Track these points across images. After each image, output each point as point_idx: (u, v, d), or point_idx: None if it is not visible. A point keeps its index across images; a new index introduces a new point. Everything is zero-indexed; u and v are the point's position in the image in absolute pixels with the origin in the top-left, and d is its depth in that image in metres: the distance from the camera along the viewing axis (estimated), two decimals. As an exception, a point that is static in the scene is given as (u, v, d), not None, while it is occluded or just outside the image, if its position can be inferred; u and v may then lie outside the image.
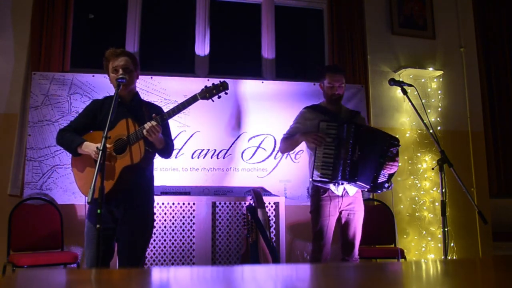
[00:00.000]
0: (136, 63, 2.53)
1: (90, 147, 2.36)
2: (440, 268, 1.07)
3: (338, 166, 2.73)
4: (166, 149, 2.48)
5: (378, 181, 2.75)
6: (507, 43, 5.06)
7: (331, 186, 2.82)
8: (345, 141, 2.74)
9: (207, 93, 2.41)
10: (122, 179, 2.34)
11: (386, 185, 2.78)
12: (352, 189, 2.84)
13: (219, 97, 2.44)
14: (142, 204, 2.45)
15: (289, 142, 3.00)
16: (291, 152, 3.98)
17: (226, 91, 2.45)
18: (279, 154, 3.98)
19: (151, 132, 2.28)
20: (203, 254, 3.42)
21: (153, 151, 2.46)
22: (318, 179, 2.77)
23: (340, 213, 2.88)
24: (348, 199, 2.86)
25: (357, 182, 2.73)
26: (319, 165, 2.76)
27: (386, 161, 2.75)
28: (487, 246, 4.39)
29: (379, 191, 2.84)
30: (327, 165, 2.75)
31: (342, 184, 2.80)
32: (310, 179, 2.84)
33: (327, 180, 2.76)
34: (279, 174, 3.99)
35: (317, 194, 2.86)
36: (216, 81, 2.47)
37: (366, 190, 2.85)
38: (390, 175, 2.82)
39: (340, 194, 2.83)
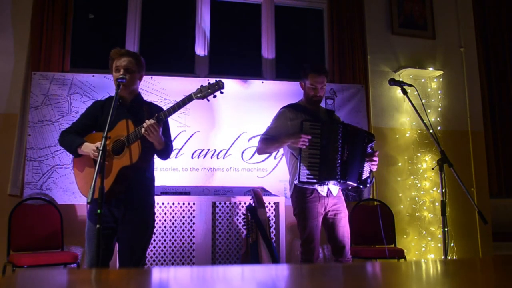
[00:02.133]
0: (141, 64, 2.53)
1: (89, 148, 2.37)
2: (440, 268, 1.07)
3: (326, 166, 2.69)
4: (165, 150, 2.47)
5: (363, 178, 2.77)
6: (507, 43, 5.06)
7: (317, 187, 2.77)
8: (333, 141, 2.72)
9: (202, 93, 2.40)
10: (120, 180, 2.35)
11: (369, 180, 2.81)
12: (335, 189, 2.82)
13: (215, 96, 2.42)
14: (142, 204, 2.45)
15: (271, 143, 2.90)
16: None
17: (222, 90, 2.43)
18: (279, 154, 3.97)
19: (150, 130, 2.28)
20: (203, 254, 3.42)
21: (151, 153, 2.46)
22: (306, 180, 2.69)
23: (326, 213, 2.82)
24: (333, 199, 2.82)
25: (347, 182, 2.72)
26: (306, 165, 2.70)
27: (367, 157, 2.78)
28: (487, 246, 4.39)
29: (363, 188, 2.85)
30: (314, 165, 2.70)
31: (327, 184, 2.77)
32: (296, 181, 2.75)
33: (314, 181, 2.70)
34: (279, 174, 3.99)
35: (302, 196, 2.78)
36: (212, 80, 2.46)
37: (350, 188, 2.86)
38: (371, 171, 2.84)
39: (325, 194, 2.79)
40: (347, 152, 2.71)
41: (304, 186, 2.77)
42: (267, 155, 3.94)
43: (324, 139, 2.73)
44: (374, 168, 2.82)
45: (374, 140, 2.87)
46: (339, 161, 2.70)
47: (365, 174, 2.79)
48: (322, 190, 2.79)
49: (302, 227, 2.79)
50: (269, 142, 2.92)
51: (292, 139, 2.77)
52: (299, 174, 2.70)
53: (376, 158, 2.80)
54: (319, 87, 2.89)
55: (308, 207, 2.76)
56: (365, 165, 2.78)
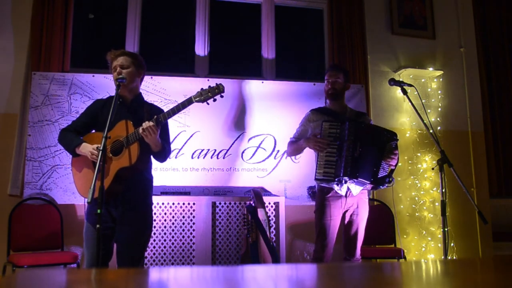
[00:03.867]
0: (138, 63, 2.52)
1: (86, 148, 2.37)
2: (440, 268, 1.07)
3: (340, 163, 2.73)
4: (162, 153, 2.47)
5: (379, 176, 2.76)
6: (507, 43, 5.06)
7: (335, 186, 2.81)
8: (347, 139, 2.74)
9: (202, 96, 2.40)
10: (118, 180, 2.35)
11: (388, 179, 2.79)
12: (355, 189, 2.84)
13: (215, 100, 2.43)
14: (140, 204, 2.45)
15: (294, 147, 3.03)
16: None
17: (222, 94, 2.43)
18: (279, 154, 3.98)
19: (148, 132, 2.28)
20: (203, 254, 3.42)
21: (148, 154, 2.46)
22: (321, 177, 2.77)
23: (344, 213, 2.88)
24: (352, 199, 2.85)
25: (358, 179, 2.73)
26: (322, 164, 2.77)
27: (384, 155, 2.77)
28: (487, 246, 4.39)
29: (381, 187, 2.84)
30: (330, 163, 2.75)
31: (345, 182, 2.79)
32: (315, 179, 2.84)
33: (330, 178, 2.75)
34: (279, 174, 3.99)
35: (322, 194, 2.87)
36: (213, 83, 2.46)
37: (367, 187, 2.84)
38: (391, 170, 2.82)
39: (343, 194, 2.82)
40: (360, 149, 2.72)
41: (322, 184, 2.84)
42: (267, 155, 3.98)
43: (340, 138, 2.76)
44: (392, 165, 2.81)
45: (396, 139, 2.85)
46: (350, 158, 2.72)
47: (382, 173, 2.78)
48: (340, 189, 2.81)
49: (317, 223, 2.87)
50: (293, 145, 3.03)
51: (308, 143, 2.85)
52: (315, 172, 2.79)
53: (393, 156, 2.80)
54: (330, 80, 2.96)
55: (325, 205, 2.84)
56: (382, 163, 2.77)
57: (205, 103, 2.42)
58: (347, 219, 2.89)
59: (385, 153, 2.78)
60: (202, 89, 2.42)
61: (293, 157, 3.98)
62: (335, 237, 2.86)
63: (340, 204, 2.84)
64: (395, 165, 2.83)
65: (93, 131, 2.54)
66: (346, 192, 2.82)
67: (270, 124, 4.02)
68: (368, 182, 2.75)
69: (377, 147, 2.77)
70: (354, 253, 2.88)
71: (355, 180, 2.75)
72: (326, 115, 2.92)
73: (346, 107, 3.07)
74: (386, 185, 2.80)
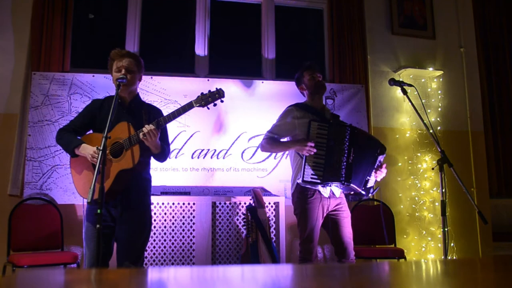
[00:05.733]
0: (140, 65, 2.54)
1: (87, 150, 2.37)
2: (440, 268, 1.07)
3: (331, 167, 2.68)
4: (162, 154, 2.49)
5: (368, 185, 2.78)
6: (507, 43, 5.06)
7: (320, 188, 2.76)
8: (340, 143, 2.71)
9: (202, 101, 2.43)
10: (118, 182, 2.35)
11: (372, 190, 2.83)
12: (337, 190, 2.82)
13: (215, 104, 2.46)
14: (139, 204, 2.46)
15: (276, 146, 2.90)
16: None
17: (222, 99, 2.47)
18: (279, 154, 3.96)
19: (148, 135, 2.29)
20: (203, 254, 3.42)
21: (148, 156, 2.47)
22: (310, 179, 2.68)
23: (328, 214, 2.81)
24: (336, 200, 2.81)
25: (351, 185, 2.70)
26: (311, 165, 2.70)
27: (376, 167, 2.80)
28: (487, 246, 4.39)
29: (365, 196, 2.87)
30: (318, 165, 2.69)
31: (330, 185, 2.76)
32: (299, 180, 2.74)
33: (318, 181, 2.69)
34: (279, 174, 3.99)
35: (304, 197, 2.77)
36: (213, 83, 2.48)
37: (353, 193, 2.84)
38: (376, 182, 2.86)
39: (327, 195, 2.78)
40: (353, 154, 2.70)
41: (307, 186, 2.75)
42: (268, 153, 3.95)
43: (331, 140, 2.71)
44: (379, 178, 2.83)
45: (385, 153, 2.87)
46: (345, 163, 2.69)
47: (370, 183, 2.79)
48: (325, 191, 2.78)
49: (302, 227, 2.79)
50: (274, 143, 2.90)
51: (298, 145, 2.75)
52: (303, 174, 2.69)
53: (382, 170, 2.81)
54: (316, 75, 2.97)
55: (309, 207, 2.75)
56: (372, 173, 2.78)
57: (205, 107, 2.44)
58: (333, 222, 2.80)
59: (376, 164, 2.80)
60: (202, 93, 2.44)
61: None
62: (318, 237, 2.82)
63: (323, 205, 2.77)
64: (380, 180, 2.88)
65: (91, 131, 2.54)
66: (329, 193, 2.79)
67: (270, 124, 4.00)
68: (359, 189, 2.75)
69: (370, 157, 2.78)
70: (347, 254, 2.79)
71: (346, 185, 2.72)
72: (309, 113, 2.87)
73: (324, 105, 3.05)
74: (370, 195, 2.87)
